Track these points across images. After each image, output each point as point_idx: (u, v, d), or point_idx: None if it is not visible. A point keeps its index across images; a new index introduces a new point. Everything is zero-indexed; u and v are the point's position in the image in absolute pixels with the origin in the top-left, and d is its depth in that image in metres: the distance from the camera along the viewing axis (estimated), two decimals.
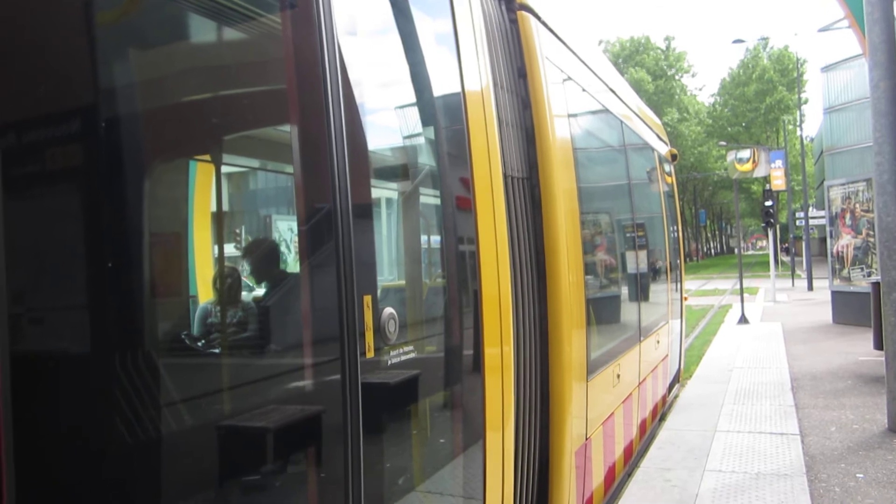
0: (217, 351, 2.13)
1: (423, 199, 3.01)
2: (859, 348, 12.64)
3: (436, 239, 3.05)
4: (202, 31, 2.06)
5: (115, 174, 1.65)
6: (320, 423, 2.13)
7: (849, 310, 15.90)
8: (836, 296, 16.73)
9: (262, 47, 2.21)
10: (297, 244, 2.25)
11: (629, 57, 65.00)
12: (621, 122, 7.01)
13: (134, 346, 1.68)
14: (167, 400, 1.75)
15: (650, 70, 64.84)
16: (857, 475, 6.27)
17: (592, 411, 4.75)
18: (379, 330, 2.27)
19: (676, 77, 68.85)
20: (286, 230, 2.39)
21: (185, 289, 2.07)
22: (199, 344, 2.09)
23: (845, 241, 15.95)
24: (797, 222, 38.58)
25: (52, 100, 1.56)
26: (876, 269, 14.11)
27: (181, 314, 2.05)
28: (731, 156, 24.72)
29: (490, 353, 3.10)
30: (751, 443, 7.40)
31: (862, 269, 15.50)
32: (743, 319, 17.99)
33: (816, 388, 9.91)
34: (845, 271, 16.06)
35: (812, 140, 54.50)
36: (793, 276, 33.92)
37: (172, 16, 1.93)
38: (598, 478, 5.12)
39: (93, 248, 1.60)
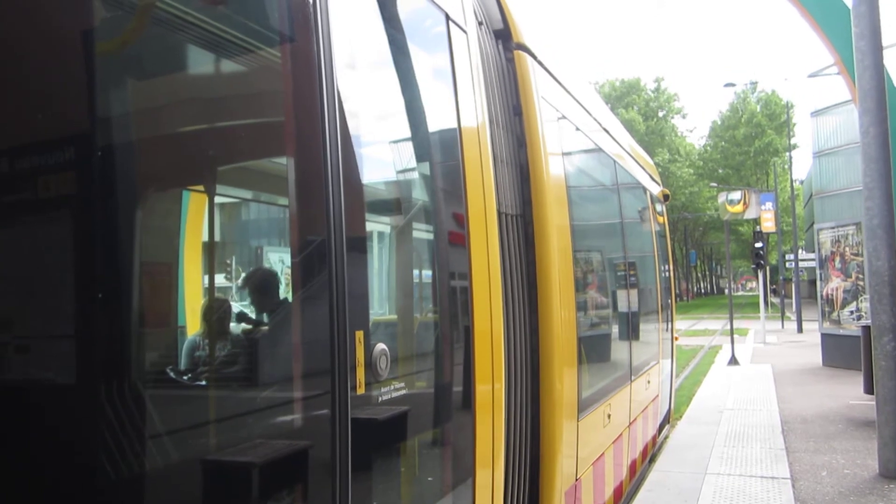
0: (206, 383, 2.10)
1: (417, 234, 3.00)
2: (850, 391, 12.61)
3: (429, 274, 3.04)
4: (203, 63, 2.07)
5: (112, 203, 1.64)
6: (310, 458, 2.10)
7: (838, 353, 15.90)
8: (826, 338, 16.74)
9: (261, 81, 2.22)
10: (290, 277, 2.23)
11: (620, 98, 65.81)
12: (614, 161, 7.07)
13: (121, 377, 1.65)
14: (153, 432, 1.72)
15: (641, 111, 65.65)
16: None
17: (583, 451, 4.70)
18: (370, 365, 2.25)
19: (668, 118, 69.72)
20: (279, 263, 2.38)
21: (175, 320, 2.04)
22: (188, 376, 2.06)
23: (835, 284, 16.03)
24: (787, 264, 38.79)
25: (47, 127, 1.55)
26: (865, 313, 14.17)
27: (170, 345, 2.02)
28: (722, 197, 24.96)
29: (481, 389, 3.07)
30: (741, 486, 7.33)
31: (851, 312, 15.55)
32: (733, 360, 17.96)
33: (807, 432, 9.86)
34: (835, 314, 16.10)
35: (802, 183, 55.04)
36: (782, 317, 33.98)
37: (171, 47, 1.94)
38: None
39: (82, 276, 1.58)
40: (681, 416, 11.48)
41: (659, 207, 10.42)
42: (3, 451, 1.36)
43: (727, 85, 46.38)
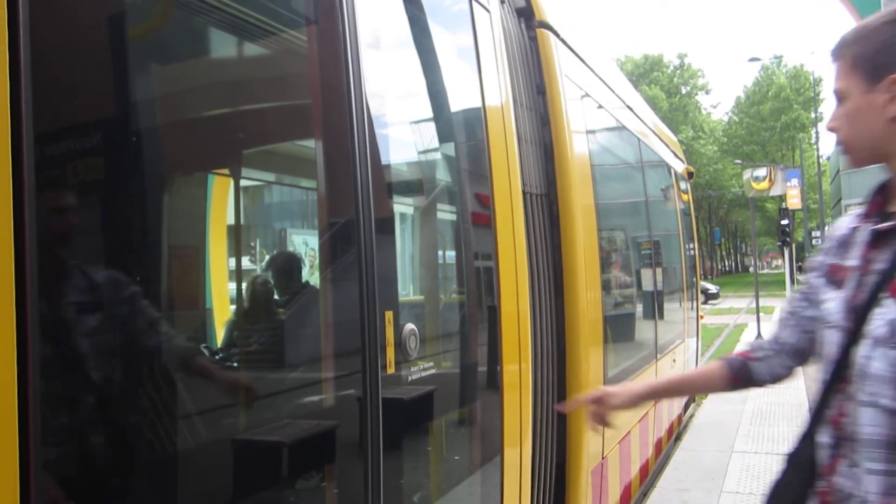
0: (239, 364, 2.13)
1: (443, 215, 3.01)
2: None
3: (456, 255, 3.05)
4: (230, 47, 2.09)
5: (149, 186, 1.67)
6: (342, 437, 2.13)
7: None
8: None
9: (287, 62, 2.23)
10: (320, 258, 2.26)
11: (643, 75, 64.94)
12: (638, 139, 7.00)
13: (155, 359, 1.69)
14: (184, 412, 1.76)
15: (664, 87, 64.80)
16: None
17: (609, 430, 4.70)
18: (400, 345, 2.27)
19: (691, 95, 68.80)
20: (309, 245, 2.40)
21: (208, 301, 2.08)
22: (222, 356, 2.10)
23: None
24: (813, 241, 38.31)
25: (81, 112, 1.57)
26: None
27: (204, 327, 2.05)
28: (747, 174, 24.61)
29: (508, 369, 3.09)
30: (768, 464, 7.30)
31: None
32: (759, 338, 17.77)
33: None
34: None
35: (828, 159, 54.18)
36: None
37: (199, 32, 1.95)
38: (613, 497, 5.07)
39: (120, 255, 1.61)
40: (706, 395, 11.44)
41: (683, 185, 10.32)
42: (38, 430, 1.39)
43: (752, 59, 45.33)
